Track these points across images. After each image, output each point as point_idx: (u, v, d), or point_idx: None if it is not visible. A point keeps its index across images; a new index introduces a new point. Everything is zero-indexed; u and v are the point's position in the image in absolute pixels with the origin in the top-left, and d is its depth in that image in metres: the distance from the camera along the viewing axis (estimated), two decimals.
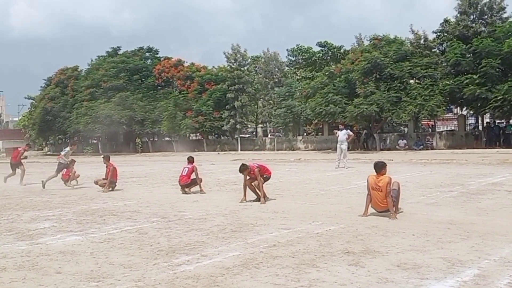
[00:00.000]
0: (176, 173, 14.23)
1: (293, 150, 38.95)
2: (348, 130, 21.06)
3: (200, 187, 12.10)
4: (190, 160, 12.56)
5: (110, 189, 13.09)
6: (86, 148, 50.62)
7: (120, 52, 53.20)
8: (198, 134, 47.69)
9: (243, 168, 10.24)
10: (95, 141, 55.01)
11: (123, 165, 21.05)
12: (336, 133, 20.35)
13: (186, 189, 12.01)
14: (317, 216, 8.14)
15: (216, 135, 48.06)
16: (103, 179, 13.48)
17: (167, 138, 50.13)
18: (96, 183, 13.57)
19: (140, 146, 47.14)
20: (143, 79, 48.95)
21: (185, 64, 48.94)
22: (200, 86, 44.68)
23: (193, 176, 12.17)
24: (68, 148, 15.46)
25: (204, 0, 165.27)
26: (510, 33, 27.89)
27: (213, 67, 49.31)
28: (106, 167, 13.58)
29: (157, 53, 53.07)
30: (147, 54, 53.01)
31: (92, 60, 54.87)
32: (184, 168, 12.30)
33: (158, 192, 12.72)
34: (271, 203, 9.82)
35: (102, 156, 14.52)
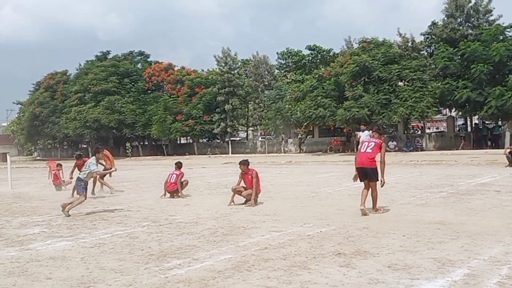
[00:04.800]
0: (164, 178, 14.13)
1: (284, 152, 39.00)
2: (370, 131, 20.08)
3: (180, 192, 11.91)
4: (179, 165, 12.46)
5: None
6: (76, 153, 50.30)
7: (110, 56, 53.06)
8: (189, 137, 47.63)
9: (244, 162, 10.18)
10: (84, 146, 54.72)
11: None
12: (357, 134, 19.50)
13: (174, 195, 11.93)
14: (308, 218, 8.16)
15: (207, 139, 48.04)
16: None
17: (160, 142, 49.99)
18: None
19: (130, 150, 46.96)
20: (133, 83, 48.86)
21: (176, 68, 48.95)
22: (190, 89, 44.67)
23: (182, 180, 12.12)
24: (93, 159, 10.63)
25: (191, 4, 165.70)
26: (496, 36, 28.19)
27: (202, 70, 49.41)
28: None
29: (148, 57, 53.05)
30: (138, 58, 52.93)
31: (80, 65, 54.70)
32: (172, 174, 12.20)
33: (149, 196, 12.66)
34: (262, 206, 9.83)
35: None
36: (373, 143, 8.55)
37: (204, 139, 48.43)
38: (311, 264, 5.28)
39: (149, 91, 49.12)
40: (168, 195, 12.00)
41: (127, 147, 47.23)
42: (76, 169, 13.24)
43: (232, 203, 10.14)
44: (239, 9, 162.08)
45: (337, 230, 7.04)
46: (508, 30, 29.50)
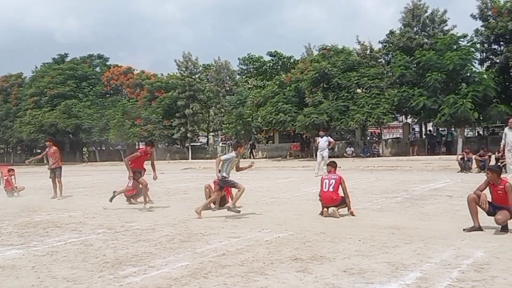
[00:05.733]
0: (124, 183, 13.88)
1: (244, 158, 39.04)
2: (329, 137, 20.27)
3: (135, 198, 11.68)
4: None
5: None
6: (29, 157, 48.75)
7: (68, 59, 51.81)
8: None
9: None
10: (39, 151, 53.04)
11: (69, 175, 20.38)
12: (317, 140, 19.99)
13: (133, 200, 11.75)
14: (267, 224, 8.18)
15: (167, 144, 47.52)
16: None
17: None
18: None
19: (87, 155, 45.88)
20: (91, 87, 47.83)
21: (135, 72, 48.28)
22: (150, 93, 44.13)
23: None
24: (233, 154, 9.63)
25: (151, 8, 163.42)
26: (450, 45, 29.23)
27: (162, 74, 48.93)
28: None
29: (107, 61, 52.09)
30: (97, 61, 51.89)
31: (37, 67, 53.14)
32: (131, 180, 11.95)
33: (105, 202, 12.36)
34: (221, 212, 9.78)
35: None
36: (333, 181, 8.82)
37: (163, 144, 47.88)
38: (268, 269, 5.29)
39: (107, 95, 48.21)
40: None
41: (83, 152, 46.12)
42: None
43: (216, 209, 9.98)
44: (200, 14, 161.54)
45: (295, 235, 7.09)
46: (462, 40, 30.69)
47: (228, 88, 45.04)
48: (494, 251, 5.80)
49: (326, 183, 8.89)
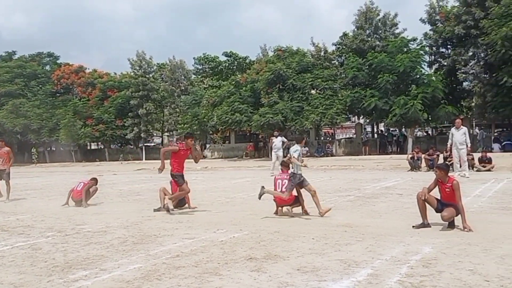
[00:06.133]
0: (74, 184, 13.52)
1: (204, 158, 38.82)
2: (283, 137, 20.58)
3: (84, 202, 11.27)
4: (94, 179, 11.91)
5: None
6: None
7: (16, 57, 49.90)
8: (100, 143, 45.91)
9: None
10: None
11: (17, 177, 19.61)
12: (272, 140, 20.20)
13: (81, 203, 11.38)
14: (222, 224, 8.16)
15: (119, 144, 46.57)
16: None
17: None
18: None
19: (36, 156, 44.30)
20: (41, 86, 46.27)
21: (87, 71, 47.08)
22: (102, 93, 43.16)
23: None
24: (297, 147, 8.96)
25: (104, 7, 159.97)
26: (401, 48, 30.12)
27: (115, 73, 47.97)
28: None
29: (58, 59, 50.55)
30: (47, 59, 50.24)
31: None
32: (80, 183, 11.63)
33: (55, 204, 11.97)
34: (175, 213, 9.67)
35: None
36: (286, 181, 8.84)
37: (116, 145, 46.89)
38: (222, 270, 5.27)
39: (57, 94, 46.76)
40: (73, 203, 11.41)
41: (32, 153, 44.51)
42: None
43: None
44: (154, 13, 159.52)
45: (250, 235, 7.10)
46: (412, 43, 31.68)
47: (183, 88, 44.62)
48: (441, 247, 6.00)
49: (279, 183, 8.96)
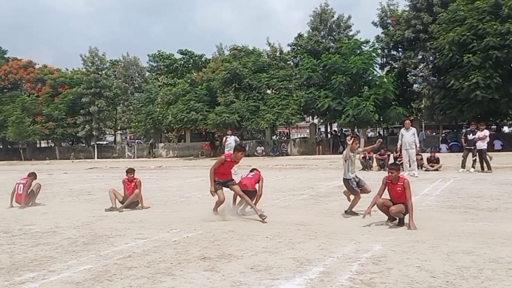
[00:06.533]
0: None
1: (155, 157, 38.30)
2: (236, 137, 20.71)
3: (23, 202, 10.79)
4: (33, 174, 11.44)
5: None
6: None
7: None
8: (50, 141, 44.46)
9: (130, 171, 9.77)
10: None
11: None
12: (226, 139, 20.14)
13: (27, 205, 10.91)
14: (176, 224, 8.08)
15: (70, 142, 45.27)
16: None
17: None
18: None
19: None
20: None
21: (37, 66, 45.49)
22: (53, 89, 41.80)
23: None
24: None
25: (55, 1, 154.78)
26: (354, 50, 30.75)
27: (67, 69, 46.59)
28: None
29: (5, 53, 48.48)
30: None
31: None
32: (19, 184, 11.03)
33: (1, 205, 11.49)
34: (128, 213, 9.51)
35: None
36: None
37: (67, 143, 45.55)
38: (175, 270, 5.22)
39: (5, 90, 44.89)
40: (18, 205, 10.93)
41: None
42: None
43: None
44: (107, 8, 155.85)
45: (204, 234, 7.07)
46: (364, 45, 32.38)
47: (137, 85, 43.85)
48: (390, 245, 6.18)
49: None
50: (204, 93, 33.44)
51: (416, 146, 16.34)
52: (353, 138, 8.70)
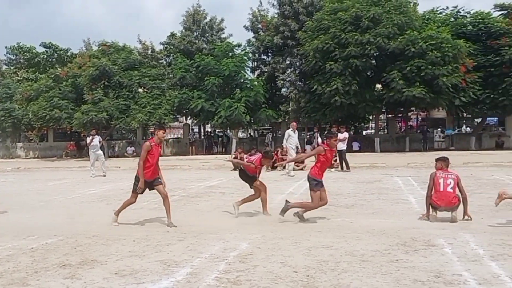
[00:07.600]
0: None
1: (12, 158, 35.13)
2: (100, 137, 20.09)
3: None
4: None
5: None
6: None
7: None
8: None
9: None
10: None
11: None
12: (92, 139, 19.28)
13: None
14: (33, 230, 7.48)
15: None
16: None
17: None
18: None
19: None
20: None
21: None
22: None
23: None
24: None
25: None
26: (227, 52, 31.28)
27: None
28: None
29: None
30: None
31: None
32: None
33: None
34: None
35: None
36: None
37: None
38: (31, 279, 4.85)
39: None
40: None
41: None
42: None
43: None
44: None
45: (65, 240, 6.66)
46: (237, 48, 33.04)
47: None
48: (257, 242, 6.39)
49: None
50: (70, 89, 31.46)
51: (298, 147, 17.25)
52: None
